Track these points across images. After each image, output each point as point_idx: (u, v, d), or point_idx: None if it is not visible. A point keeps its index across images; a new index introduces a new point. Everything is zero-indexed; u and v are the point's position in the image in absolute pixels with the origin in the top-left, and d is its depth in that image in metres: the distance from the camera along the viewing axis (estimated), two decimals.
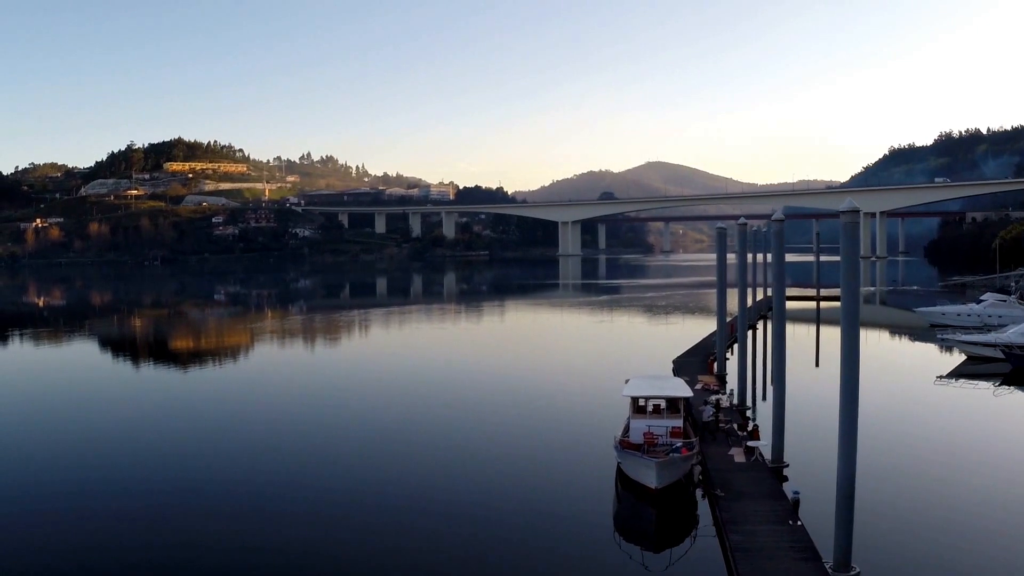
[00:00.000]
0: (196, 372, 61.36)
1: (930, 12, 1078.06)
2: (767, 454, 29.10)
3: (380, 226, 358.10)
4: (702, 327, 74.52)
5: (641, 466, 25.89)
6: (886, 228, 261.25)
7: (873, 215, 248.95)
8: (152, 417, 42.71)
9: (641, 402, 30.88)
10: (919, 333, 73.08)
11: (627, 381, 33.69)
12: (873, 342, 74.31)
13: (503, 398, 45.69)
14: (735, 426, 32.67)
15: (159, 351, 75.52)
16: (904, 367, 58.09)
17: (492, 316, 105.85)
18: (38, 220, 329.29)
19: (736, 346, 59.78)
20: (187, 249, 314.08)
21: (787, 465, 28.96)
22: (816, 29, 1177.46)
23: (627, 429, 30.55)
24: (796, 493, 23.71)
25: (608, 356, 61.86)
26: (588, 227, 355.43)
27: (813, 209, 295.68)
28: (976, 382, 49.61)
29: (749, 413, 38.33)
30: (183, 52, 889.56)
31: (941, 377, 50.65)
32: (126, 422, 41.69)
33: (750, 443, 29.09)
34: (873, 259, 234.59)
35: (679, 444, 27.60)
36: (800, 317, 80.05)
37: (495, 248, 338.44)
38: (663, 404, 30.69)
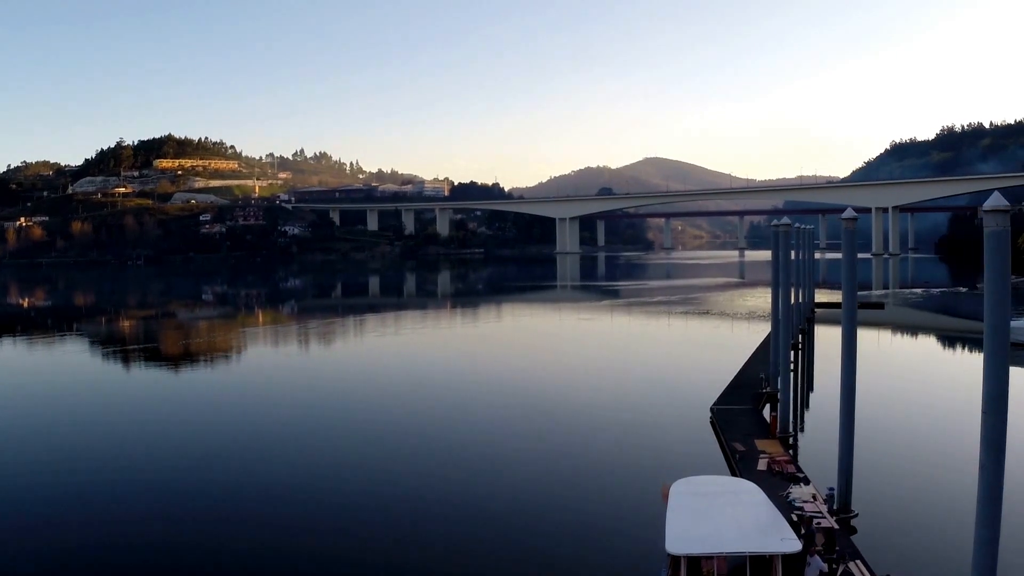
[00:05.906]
0: (185, 377, 59.77)
1: (930, 5, 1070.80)
2: None
3: (372, 223, 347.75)
4: (735, 344, 63.89)
5: None
6: (898, 224, 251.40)
7: (884, 210, 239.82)
8: (138, 423, 42.45)
9: (704, 565, 16.83)
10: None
11: (665, 492, 20.04)
12: (959, 369, 58.42)
13: (482, 486, 30.94)
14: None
15: (141, 357, 70.91)
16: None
17: (487, 323, 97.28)
18: (21, 219, 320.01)
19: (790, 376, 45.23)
20: (172, 248, 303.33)
21: None
22: (814, 22, 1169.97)
23: None
24: None
25: (623, 401, 46.13)
26: (586, 224, 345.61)
27: (815, 204, 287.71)
28: None
29: (854, 521, 23.63)
30: (177, 48, 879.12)
31: None
32: (109, 427, 41.77)
33: None
34: (886, 256, 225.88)
35: None
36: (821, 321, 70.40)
37: (490, 246, 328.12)
38: (743, 563, 16.70)
